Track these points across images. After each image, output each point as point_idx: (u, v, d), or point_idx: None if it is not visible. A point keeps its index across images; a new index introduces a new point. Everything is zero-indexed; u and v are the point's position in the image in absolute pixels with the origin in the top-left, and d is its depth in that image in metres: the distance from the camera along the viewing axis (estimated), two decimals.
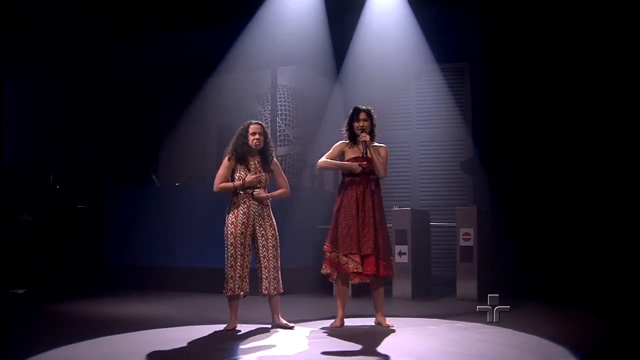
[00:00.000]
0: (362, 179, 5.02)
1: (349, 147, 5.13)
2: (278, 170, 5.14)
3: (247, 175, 4.91)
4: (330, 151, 5.14)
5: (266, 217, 4.97)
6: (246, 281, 4.87)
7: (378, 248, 4.92)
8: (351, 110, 5.16)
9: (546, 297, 6.75)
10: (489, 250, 7.38)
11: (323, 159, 5.13)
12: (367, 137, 5.02)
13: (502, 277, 7.42)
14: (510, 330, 4.82)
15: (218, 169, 9.09)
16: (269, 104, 8.28)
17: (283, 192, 5.12)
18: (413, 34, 8.28)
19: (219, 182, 4.99)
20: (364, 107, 5.12)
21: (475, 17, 8.38)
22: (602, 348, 4.41)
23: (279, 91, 8.22)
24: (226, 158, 5.01)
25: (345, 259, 4.91)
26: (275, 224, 5.01)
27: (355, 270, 4.89)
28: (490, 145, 8.33)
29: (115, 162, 8.86)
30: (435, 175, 8.75)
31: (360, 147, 5.06)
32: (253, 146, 4.98)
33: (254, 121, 5.09)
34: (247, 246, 4.89)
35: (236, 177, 4.94)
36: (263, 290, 4.89)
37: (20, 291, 7.32)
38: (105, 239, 8.61)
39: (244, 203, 4.91)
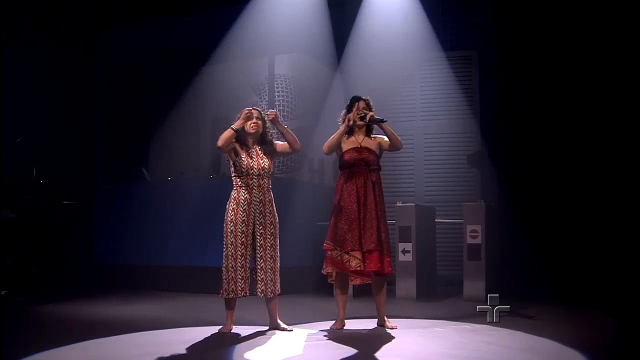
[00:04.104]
0: (362, 170, 4.98)
1: (346, 139, 5.10)
2: (280, 143, 5.10)
3: (248, 162, 4.88)
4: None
5: (267, 214, 4.93)
6: (247, 282, 4.84)
7: (381, 243, 4.90)
8: (349, 100, 5.14)
9: (558, 298, 6.74)
10: (497, 248, 7.37)
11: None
12: (371, 113, 4.99)
13: (511, 277, 7.42)
14: (520, 332, 4.81)
15: (213, 162, 9.12)
16: (266, 95, 8.26)
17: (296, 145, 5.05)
18: (417, 20, 8.27)
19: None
20: (363, 97, 5.10)
21: (485, 2, 8.35)
22: (618, 352, 4.39)
23: (276, 81, 8.20)
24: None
25: (347, 256, 4.88)
26: (277, 222, 4.97)
27: (357, 269, 4.86)
28: (499, 138, 8.31)
29: (104, 155, 8.84)
30: (441, 169, 8.74)
31: (358, 137, 5.04)
32: (251, 130, 4.95)
33: (251, 107, 5.06)
34: (247, 245, 4.85)
35: (237, 163, 4.90)
36: (258, 293, 4.87)
37: (1, 292, 7.29)
38: (93, 237, 8.60)
39: (246, 200, 4.87)
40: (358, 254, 4.87)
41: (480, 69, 8.62)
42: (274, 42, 7.83)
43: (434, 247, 7.75)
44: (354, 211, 4.92)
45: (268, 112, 5.04)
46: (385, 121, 4.97)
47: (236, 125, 4.90)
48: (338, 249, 4.93)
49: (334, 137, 5.03)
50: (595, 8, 7.57)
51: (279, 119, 5.09)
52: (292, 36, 7.84)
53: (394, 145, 5.05)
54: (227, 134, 4.85)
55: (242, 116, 4.92)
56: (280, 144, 5.11)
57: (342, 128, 5.02)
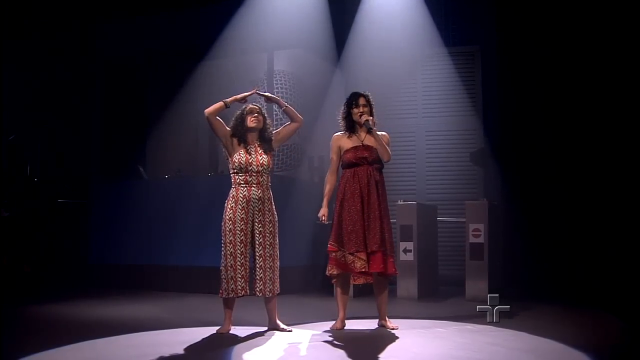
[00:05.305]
0: (365, 169, 4.99)
1: (347, 138, 5.11)
2: (279, 130, 5.16)
3: (247, 158, 4.90)
4: (332, 154, 5.14)
5: (267, 212, 4.94)
6: (247, 281, 4.85)
7: (385, 244, 4.91)
8: (348, 97, 5.14)
9: (562, 298, 6.75)
10: (500, 247, 7.38)
11: (328, 175, 5.15)
12: (371, 118, 5.00)
13: (514, 276, 7.42)
14: (523, 333, 4.82)
15: (210, 160, 9.11)
16: (265, 91, 8.25)
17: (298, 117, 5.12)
18: (419, 15, 8.27)
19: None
20: (362, 92, 5.10)
21: None
22: (622, 352, 4.41)
23: (275, 77, 8.20)
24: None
25: (352, 257, 4.88)
26: (276, 220, 4.98)
27: (362, 270, 4.86)
28: (502, 135, 8.32)
29: (99, 153, 8.84)
30: (443, 167, 8.75)
31: (360, 134, 5.05)
32: (252, 124, 4.96)
33: (250, 104, 5.08)
34: (246, 244, 4.86)
35: (236, 159, 4.92)
36: (257, 292, 4.88)
37: None
38: (88, 236, 8.60)
39: (244, 197, 4.88)
40: (363, 255, 4.87)
41: (483, 65, 8.62)
42: (273, 37, 7.82)
43: (435, 246, 7.76)
44: (358, 211, 4.92)
45: (257, 87, 5.15)
46: (371, 129, 4.98)
47: (229, 100, 4.99)
48: (342, 250, 4.94)
49: (326, 196, 5.12)
50: (598, 3, 7.57)
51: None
52: (291, 31, 7.82)
53: (382, 155, 5.04)
54: (217, 104, 4.97)
55: (241, 94, 5.02)
56: (279, 131, 5.13)
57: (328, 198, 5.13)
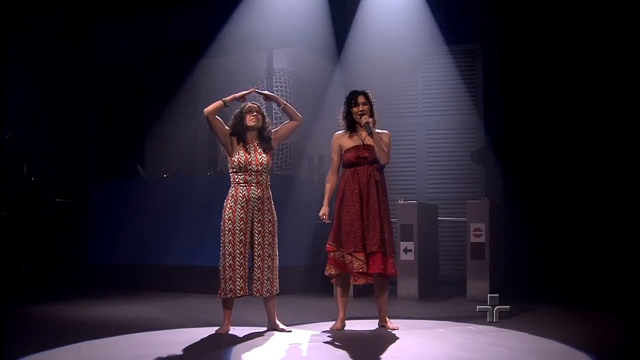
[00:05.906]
0: (365, 169, 4.99)
1: (348, 137, 5.10)
2: (278, 128, 5.16)
3: (246, 157, 4.90)
4: (333, 153, 5.14)
5: (266, 211, 4.94)
6: (246, 281, 4.85)
7: (384, 244, 4.90)
8: (347, 95, 5.13)
9: (564, 298, 6.76)
10: (501, 247, 7.38)
11: (329, 174, 5.16)
12: (370, 119, 5.00)
13: (515, 276, 7.42)
14: (525, 333, 4.82)
15: (209, 159, 9.10)
16: (264, 89, 8.25)
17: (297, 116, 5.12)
18: (420, 12, 8.27)
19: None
20: (361, 90, 5.09)
21: None
22: (625, 353, 4.41)
23: (275, 75, 8.19)
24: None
25: (350, 257, 4.88)
26: (275, 220, 4.98)
27: (360, 270, 4.87)
28: (503, 134, 8.32)
29: (97, 151, 8.83)
30: (443, 166, 8.75)
31: (361, 134, 5.04)
32: (251, 123, 4.96)
33: (249, 102, 5.08)
34: (245, 244, 4.86)
35: (235, 159, 4.91)
36: (254, 293, 4.89)
37: None
38: (86, 235, 8.59)
39: (244, 197, 4.88)
40: (361, 255, 4.87)
41: (484, 63, 8.62)
42: (273, 35, 7.82)
43: (436, 246, 7.76)
44: (357, 211, 4.91)
45: (256, 86, 5.13)
46: (372, 133, 4.96)
47: (228, 98, 4.98)
48: (341, 250, 4.93)
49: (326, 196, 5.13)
50: (600, 1, 7.57)
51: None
52: (291, 29, 7.82)
53: (380, 157, 5.02)
54: (216, 103, 4.96)
55: (240, 93, 5.01)
56: (279, 129, 5.13)
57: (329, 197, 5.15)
